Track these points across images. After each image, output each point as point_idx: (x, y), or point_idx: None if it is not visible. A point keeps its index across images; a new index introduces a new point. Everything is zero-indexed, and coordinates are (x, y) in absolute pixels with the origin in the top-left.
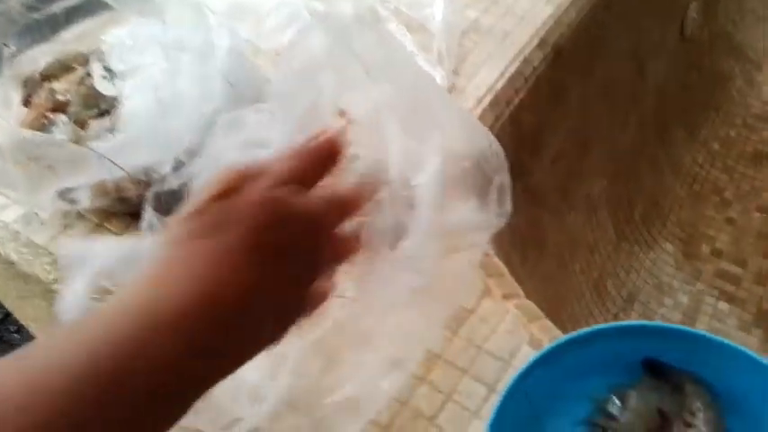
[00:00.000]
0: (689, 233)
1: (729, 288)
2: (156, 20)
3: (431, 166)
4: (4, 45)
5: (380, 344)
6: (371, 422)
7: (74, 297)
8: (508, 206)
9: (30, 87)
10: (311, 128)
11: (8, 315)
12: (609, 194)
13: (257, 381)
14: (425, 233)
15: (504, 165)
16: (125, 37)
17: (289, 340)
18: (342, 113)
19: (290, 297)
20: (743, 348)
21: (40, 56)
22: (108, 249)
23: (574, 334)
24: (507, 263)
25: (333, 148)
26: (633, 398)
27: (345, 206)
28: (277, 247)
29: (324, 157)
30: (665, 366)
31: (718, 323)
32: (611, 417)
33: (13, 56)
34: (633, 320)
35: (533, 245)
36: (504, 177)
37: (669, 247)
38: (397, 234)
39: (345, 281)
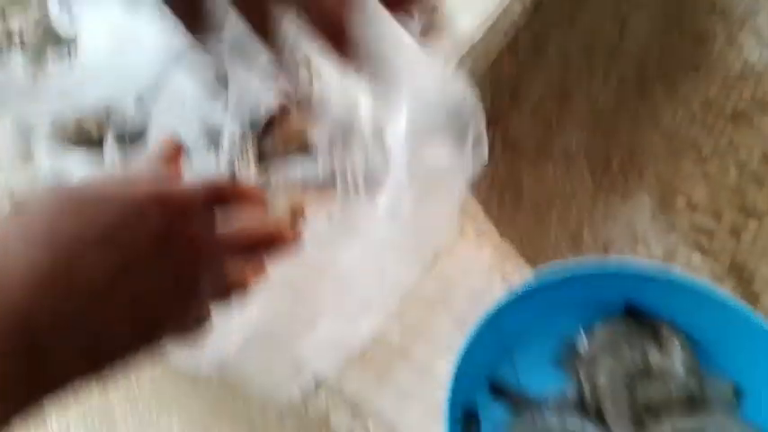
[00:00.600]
0: (666, 186)
1: (704, 240)
2: None
3: (402, 118)
4: None
5: (357, 284)
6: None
7: None
8: (484, 153)
9: None
10: (276, 76)
11: None
12: (588, 146)
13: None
14: (399, 184)
15: (480, 114)
16: None
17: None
18: (309, 66)
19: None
20: (716, 290)
21: None
22: None
23: (547, 272)
24: (484, 206)
25: (255, 195)
26: (600, 334)
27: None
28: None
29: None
30: (642, 311)
31: (692, 274)
32: (577, 353)
33: None
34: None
35: (511, 192)
36: (479, 126)
37: (646, 198)
38: (371, 180)
39: (322, 227)
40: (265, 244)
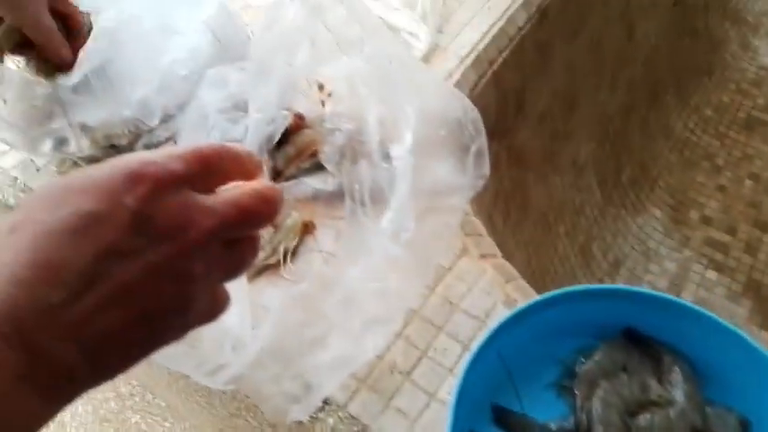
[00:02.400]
0: (678, 199)
1: (718, 256)
2: None
3: (407, 136)
4: None
5: (363, 302)
6: (349, 375)
7: None
8: (486, 170)
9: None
10: (289, 95)
11: None
12: (596, 157)
13: (240, 330)
14: (405, 201)
15: (481, 130)
16: None
17: (272, 293)
18: (320, 86)
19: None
20: (719, 319)
21: None
22: None
23: (547, 295)
24: (488, 223)
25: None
26: (598, 360)
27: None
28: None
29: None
30: (643, 336)
31: (706, 292)
32: (574, 376)
33: None
34: (609, 284)
35: (517, 206)
36: (481, 142)
37: (657, 212)
38: (378, 196)
39: (331, 241)
40: (258, 216)
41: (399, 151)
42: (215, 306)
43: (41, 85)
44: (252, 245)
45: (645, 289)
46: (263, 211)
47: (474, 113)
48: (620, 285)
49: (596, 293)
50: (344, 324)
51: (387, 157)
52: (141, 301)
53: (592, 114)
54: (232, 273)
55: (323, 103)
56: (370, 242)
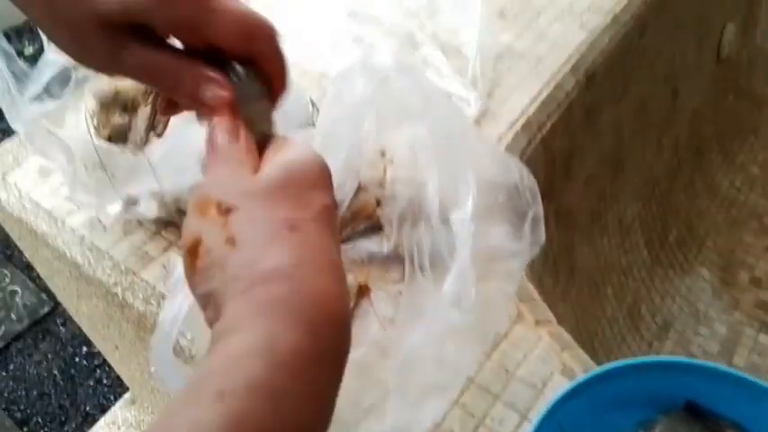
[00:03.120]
0: (726, 259)
1: None
2: None
3: (468, 202)
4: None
5: (421, 369)
6: None
7: (175, 309)
8: (542, 236)
9: (102, 105)
10: (355, 166)
11: (55, 308)
12: (642, 218)
13: None
14: (465, 269)
15: (537, 196)
16: None
17: None
18: (383, 152)
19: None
20: None
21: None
22: None
23: (606, 367)
24: (539, 287)
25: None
26: (658, 428)
27: None
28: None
29: None
30: (704, 410)
31: (758, 357)
32: None
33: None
34: (670, 354)
35: (565, 268)
36: (537, 208)
37: (706, 273)
38: (437, 262)
39: (387, 305)
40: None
41: (460, 217)
42: None
43: (124, 155)
44: None
45: (705, 362)
46: None
47: (531, 180)
48: (679, 358)
49: (655, 366)
50: (402, 391)
51: (446, 222)
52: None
53: (638, 175)
54: None
55: (384, 170)
56: (429, 308)
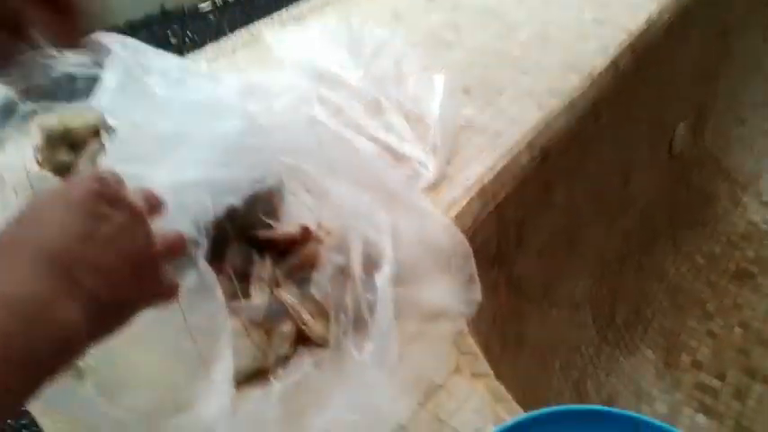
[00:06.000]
0: (670, 342)
1: (708, 401)
2: None
3: (385, 268)
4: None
5: (346, 416)
6: None
7: None
8: (477, 295)
9: (48, 141)
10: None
11: None
12: (592, 296)
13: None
14: (385, 335)
15: (470, 256)
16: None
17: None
18: (319, 225)
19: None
20: None
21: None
22: None
23: (534, 413)
24: (485, 350)
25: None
26: None
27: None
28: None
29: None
30: None
31: None
32: None
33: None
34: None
35: (514, 336)
36: (470, 268)
37: (650, 354)
38: (361, 329)
39: (310, 367)
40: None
41: (380, 281)
42: (172, 285)
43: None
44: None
45: (621, 410)
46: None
47: (462, 240)
48: (598, 406)
49: (583, 414)
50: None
51: (371, 288)
52: (126, 247)
53: (590, 254)
54: (176, 248)
55: (321, 241)
56: (352, 371)
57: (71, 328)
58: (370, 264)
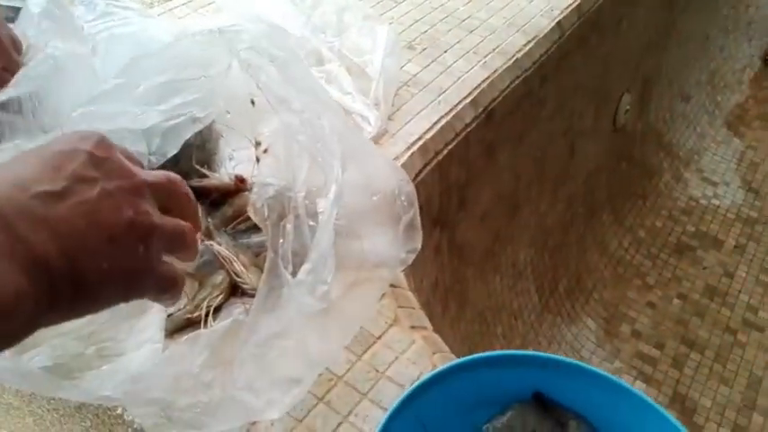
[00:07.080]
0: (611, 312)
1: (647, 369)
2: None
3: (332, 188)
4: None
5: (276, 361)
6: None
7: None
8: (417, 244)
9: None
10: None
11: None
12: (535, 264)
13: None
14: (323, 258)
15: (415, 203)
16: None
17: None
18: (258, 143)
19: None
20: (626, 385)
21: None
22: None
23: (464, 359)
24: (428, 308)
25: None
26: (509, 415)
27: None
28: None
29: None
30: (551, 401)
31: None
32: None
33: None
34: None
35: (456, 299)
36: (413, 214)
37: (591, 323)
38: (302, 259)
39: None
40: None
41: (323, 204)
42: (168, 276)
43: None
44: (185, 213)
45: (555, 355)
46: (180, 189)
47: (408, 185)
48: (528, 351)
49: (511, 359)
50: (254, 375)
51: (315, 215)
52: (104, 216)
53: (533, 222)
54: (174, 236)
55: (257, 159)
56: (285, 296)
57: (8, 292)
58: (315, 191)
